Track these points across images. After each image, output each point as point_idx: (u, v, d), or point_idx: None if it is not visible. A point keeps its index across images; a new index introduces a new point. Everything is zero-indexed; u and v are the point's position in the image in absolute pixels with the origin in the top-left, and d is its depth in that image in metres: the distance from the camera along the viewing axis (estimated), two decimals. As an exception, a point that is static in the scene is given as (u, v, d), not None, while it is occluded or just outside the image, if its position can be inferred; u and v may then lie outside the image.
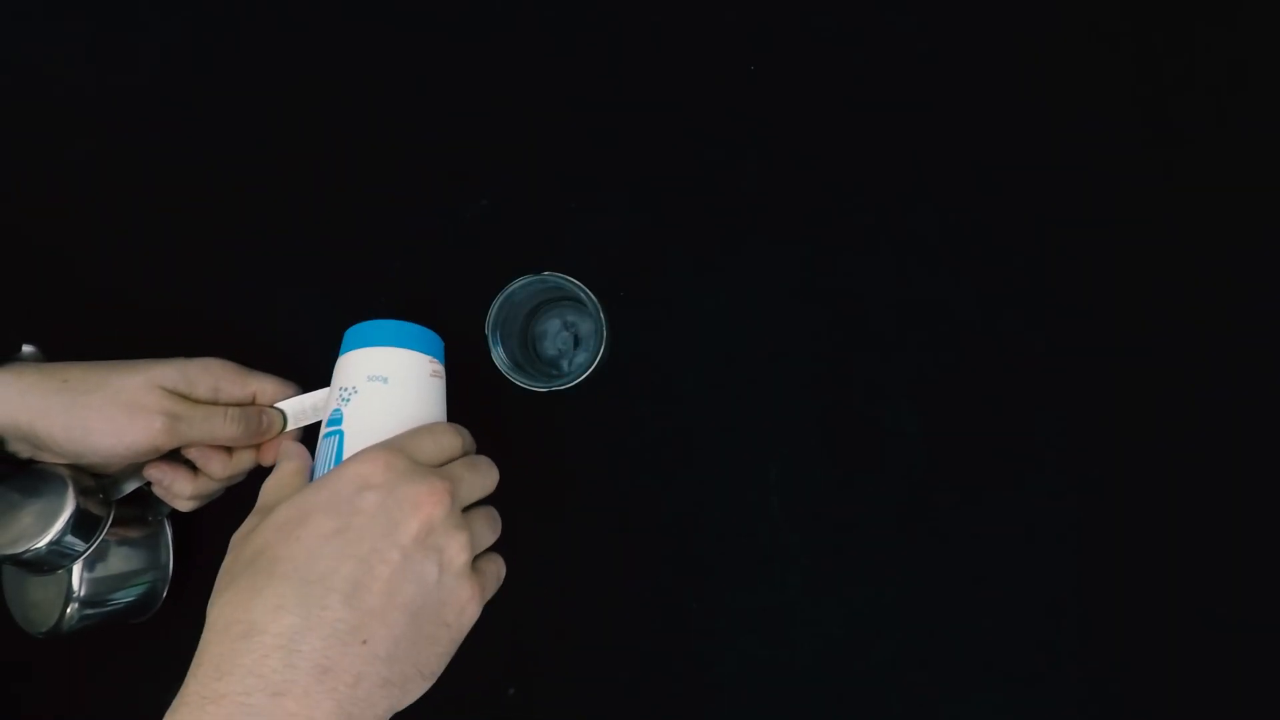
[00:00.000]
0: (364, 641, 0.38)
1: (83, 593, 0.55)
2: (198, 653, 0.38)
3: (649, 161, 0.63)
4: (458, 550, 0.42)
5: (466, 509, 0.45)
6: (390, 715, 0.40)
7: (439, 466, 0.45)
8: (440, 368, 0.50)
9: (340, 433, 0.46)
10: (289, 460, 0.46)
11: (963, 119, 0.61)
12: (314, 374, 0.57)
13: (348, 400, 0.47)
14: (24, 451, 0.52)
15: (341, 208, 0.65)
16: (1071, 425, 0.58)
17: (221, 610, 0.39)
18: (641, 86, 0.64)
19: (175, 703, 0.37)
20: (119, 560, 0.57)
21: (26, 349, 0.54)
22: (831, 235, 0.61)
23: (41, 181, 0.69)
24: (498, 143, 0.65)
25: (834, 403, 0.59)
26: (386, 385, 0.47)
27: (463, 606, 0.42)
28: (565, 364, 0.62)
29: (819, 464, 0.59)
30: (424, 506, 0.41)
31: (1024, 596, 0.57)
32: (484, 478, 0.46)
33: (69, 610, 0.54)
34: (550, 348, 0.63)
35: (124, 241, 0.67)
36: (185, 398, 0.52)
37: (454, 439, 0.46)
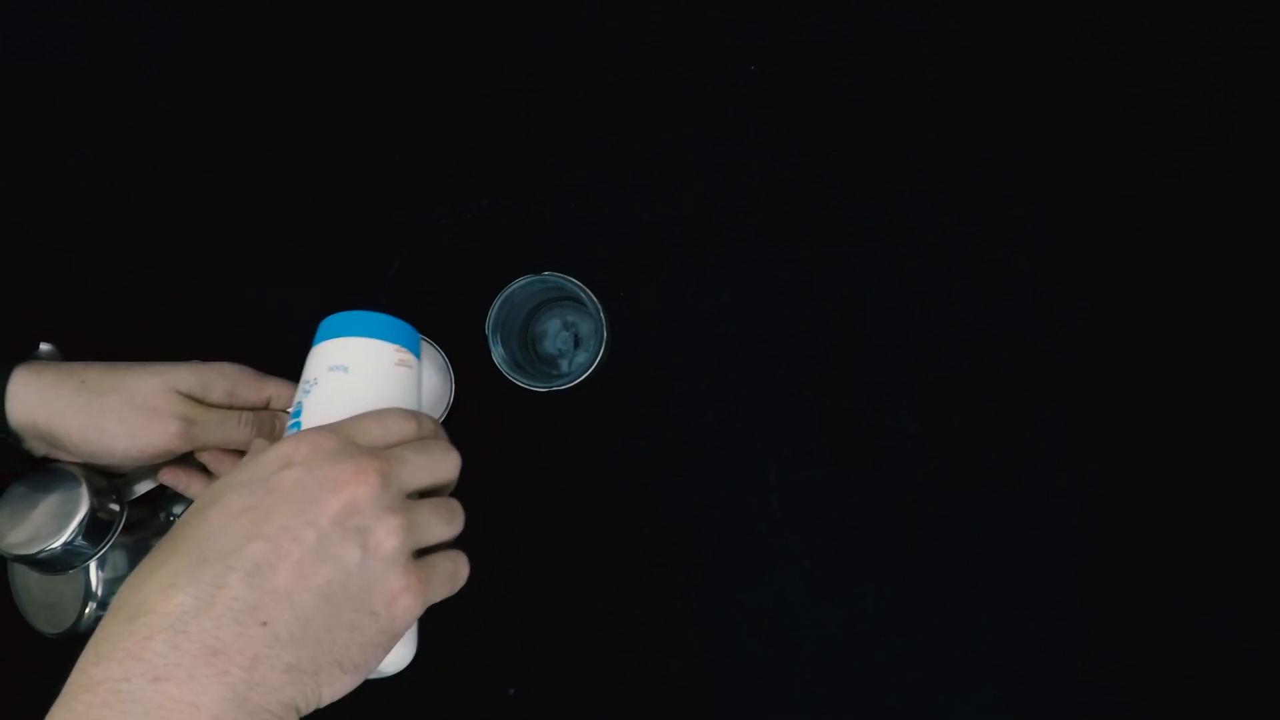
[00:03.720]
0: (264, 623, 0.35)
1: (100, 593, 0.55)
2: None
3: (649, 161, 0.63)
4: (386, 534, 0.38)
5: (416, 497, 0.42)
6: (305, 707, 0.37)
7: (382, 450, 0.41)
8: (409, 356, 0.48)
9: (298, 425, 0.45)
10: (251, 453, 0.43)
11: (963, 119, 0.61)
12: (314, 374, 0.57)
13: (308, 392, 0.46)
14: (39, 449, 0.52)
15: (342, 208, 0.65)
16: (1071, 425, 0.58)
17: (119, 593, 0.37)
18: (642, 86, 0.64)
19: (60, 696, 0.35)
20: (134, 560, 0.57)
21: (44, 347, 0.54)
22: (831, 235, 0.61)
23: (46, 181, 0.69)
24: (498, 143, 0.65)
25: (834, 403, 0.59)
26: (346, 374, 0.46)
27: (394, 596, 0.38)
28: (565, 364, 0.62)
29: (819, 464, 0.59)
30: (348, 485, 0.38)
31: (1024, 596, 0.57)
32: (435, 463, 0.42)
33: (87, 610, 0.54)
34: (550, 348, 0.63)
35: (129, 242, 0.67)
36: (200, 402, 0.52)
37: (405, 424, 0.43)
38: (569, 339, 0.62)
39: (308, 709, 0.37)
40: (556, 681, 0.60)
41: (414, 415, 0.44)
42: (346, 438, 0.40)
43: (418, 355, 0.49)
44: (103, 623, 0.36)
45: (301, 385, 0.47)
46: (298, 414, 0.46)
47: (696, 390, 0.61)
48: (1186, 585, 0.56)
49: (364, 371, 0.46)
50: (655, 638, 0.59)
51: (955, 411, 0.58)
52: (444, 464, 0.43)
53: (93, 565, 0.54)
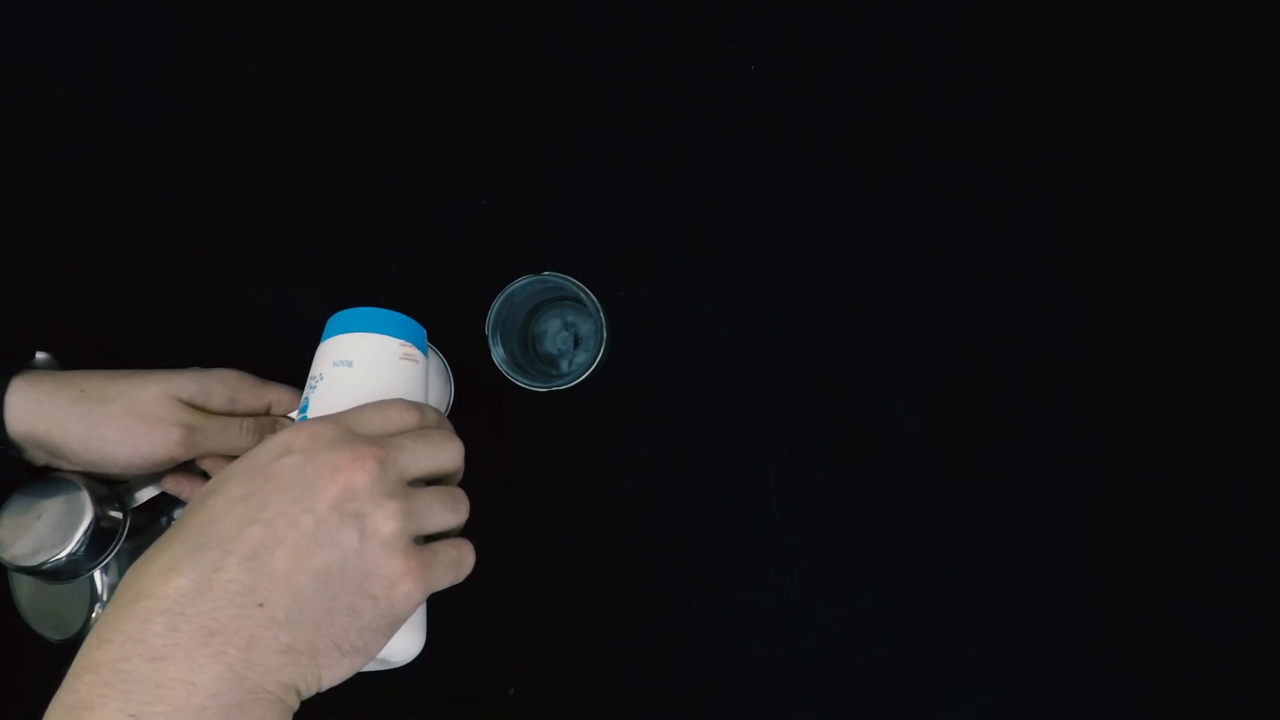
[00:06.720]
0: (260, 604, 0.36)
1: (105, 598, 0.55)
2: None
3: (649, 161, 0.63)
4: (384, 519, 0.39)
5: (422, 485, 0.42)
6: (305, 690, 0.37)
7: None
8: (414, 351, 0.48)
9: (305, 419, 0.45)
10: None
11: (963, 119, 0.61)
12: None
13: (314, 388, 0.47)
14: (40, 459, 0.52)
15: (341, 208, 0.65)
16: (1071, 425, 0.58)
17: (123, 580, 0.38)
18: (641, 86, 0.64)
19: None
20: None
21: (40, 356, 0.54)
22: (831, 235, 0.61)
23: (46, 183, 0.69)
24: (498, 142, 0.65)
25: (834, 402, 0.59)
26: (351, 369, 0.46)
27: (394, 580, 0.39)
28: (565, 364, 0.62)
29: (819, 464, 0.59)
30: (345, 471, 0.39)
31: (1024, 596, 0.57)
32: (436, 450, 0.43)
33: (93, 615, 0.54)
34: (550, 348, 0.63)
35: (129, 244, 0.67)
36: (201, 409, 0.52)
37: (406, 413, 0.43)
38: (569, 339, 0.62)
39: (308, 692, 0.38)
40: (556, 681, 0.60)
41: (416, 405, 0.44)
42: (346, 426, 0.41)
43: (423, 350, 0.49)
44: (106, 608, 0.37)
45: (308, 381, 0.48)
46: (304, 410, 0.46)
47: (696, 390, 0.61)
48: (1186, 585, 0.56)
49: (368, 366, 0.47)
50: (655, 637, 0.59)
51: (955, 411, 0.58)
52: (445, 452, 0.43)
53: (97, 571, 0.54)
